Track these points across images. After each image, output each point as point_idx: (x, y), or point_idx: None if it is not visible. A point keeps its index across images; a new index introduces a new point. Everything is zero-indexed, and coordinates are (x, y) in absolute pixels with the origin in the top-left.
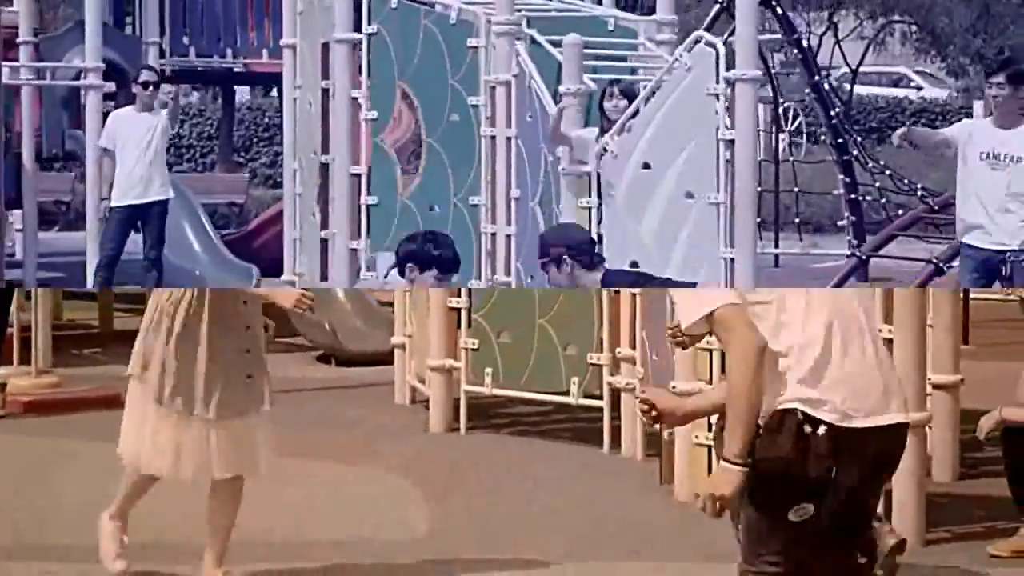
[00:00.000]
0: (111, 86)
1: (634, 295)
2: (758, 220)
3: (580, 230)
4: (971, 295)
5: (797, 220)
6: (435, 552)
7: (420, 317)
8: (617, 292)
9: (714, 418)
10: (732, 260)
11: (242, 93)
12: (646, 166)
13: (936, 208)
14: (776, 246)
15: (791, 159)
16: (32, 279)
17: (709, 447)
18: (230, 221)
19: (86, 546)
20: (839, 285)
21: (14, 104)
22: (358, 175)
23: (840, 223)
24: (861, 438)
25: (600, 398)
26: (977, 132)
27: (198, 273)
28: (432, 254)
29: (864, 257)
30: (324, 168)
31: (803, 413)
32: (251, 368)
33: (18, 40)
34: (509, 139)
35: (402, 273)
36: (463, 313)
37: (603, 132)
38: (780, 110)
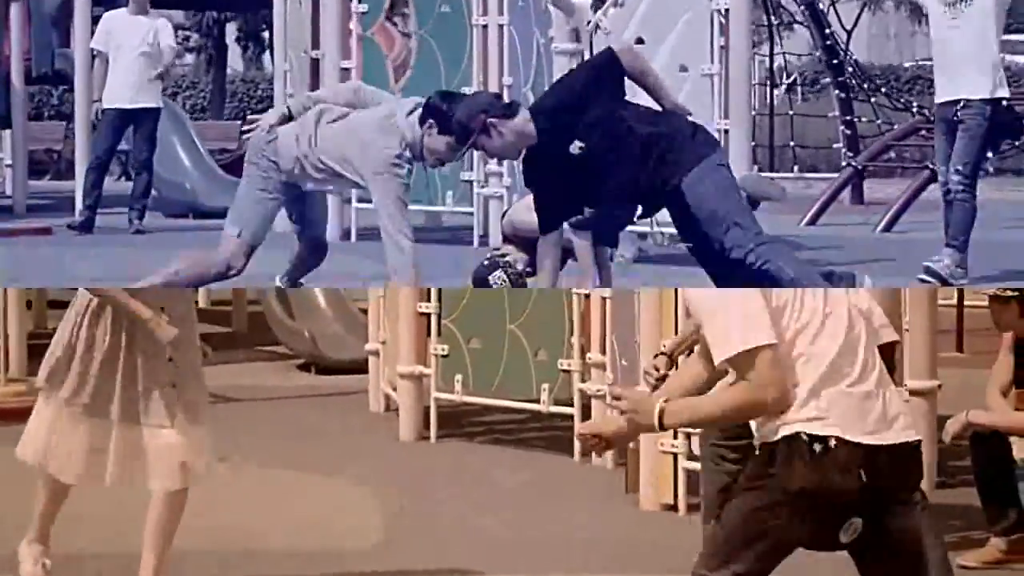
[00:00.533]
0: None
1: (604, 298)
2: (753, 144)
3: (477, 95)
4: (966, 302)
5: (791, 143)
6: (387, 563)
7: (394, 323)
8: (587, 296)
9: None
10: (727, 132)
11: (234, 60)
12: (639, 41)
13: (931, 119)
14: (771, 172)
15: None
16: (22, 206)
17: (675, 454)
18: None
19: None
20: (834, 196)
21: (2, 24)
22: (348, 69)
23: (836, 145)
24: (870, 454)
25: (572, 405)
26: None
27: (188, 186)
28: (457, 120)
29: (859, 167)
30: (315, 65)
31: (807, 435)
32: (175, 378)
33: None
34: (501, 27)
35: (421, 123)
36: (433, 319)
37: (596, 9)
38: (775, 67)
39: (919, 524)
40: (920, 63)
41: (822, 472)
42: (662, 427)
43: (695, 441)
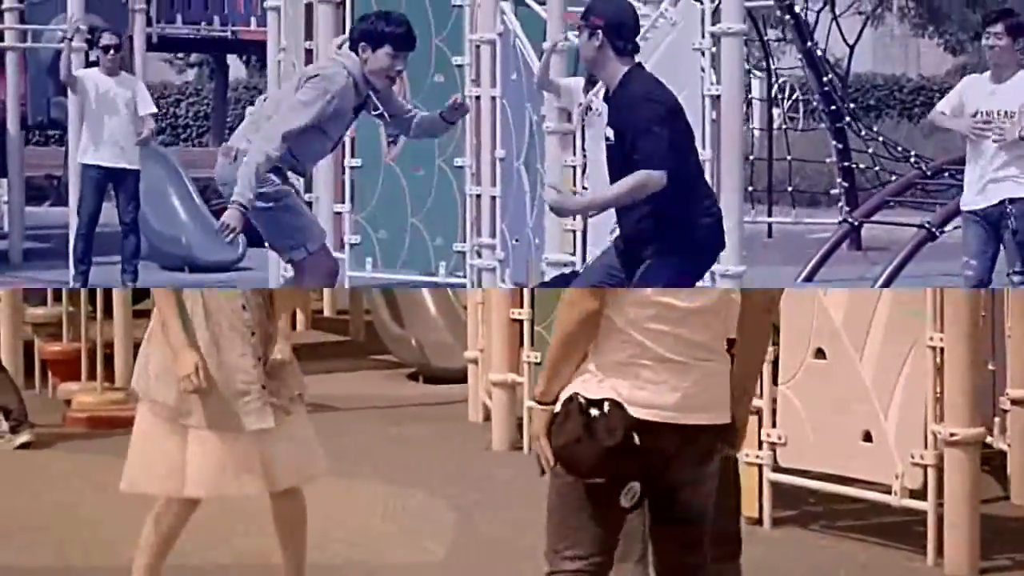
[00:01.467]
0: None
1: None
2: (750, 188)
3: (626, 3)
4: None
5: (790, 189)
6: None
7: (490, 330)
8: None
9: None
10: (719, 220)
11: (237, 70)
12: None
13: (928, 174)
14: (769, 215)
15: (784, 127)
16: (18, 251)
17: (760, 466)
18: (220, 196)
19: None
20: (831, 251)
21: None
22: None
23: (833, 191)
24: (650, 426)
25: None
26: (971, 90)
27: (184, 240)
28: (384, 30)
29: (856, 223)
30: None
31: (584, 398)
32: (264, 379)
33: (3, 7)
34: (494, 99)
35: (356, 54)
36: (526, 325)
37: (587, 90)
38: (776, 87)
39: (703, 501)
40: (924, 75)
41: (589, 431)
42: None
43: (780, 452)
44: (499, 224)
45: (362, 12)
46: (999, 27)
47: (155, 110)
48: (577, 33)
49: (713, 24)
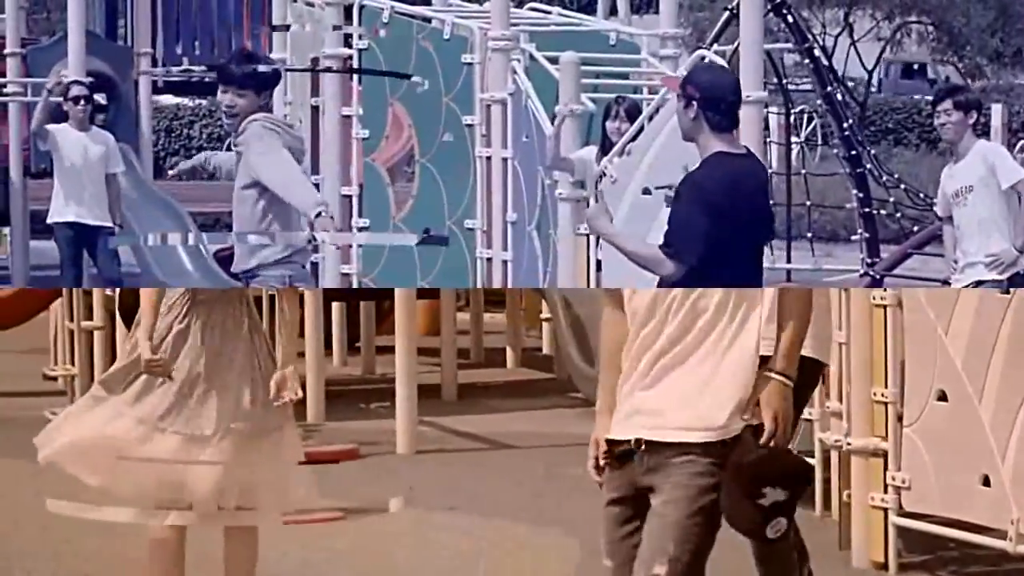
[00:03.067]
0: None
1: (840, 344)
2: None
3: (728, 77)
4: None
5: (810, 235)
6: None
7: None
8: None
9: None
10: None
11: None
12: (646, 191)
13: None
14: (788, 261)
15: (803, 172)
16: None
17: (885, 510)
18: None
19: None
20: None
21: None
22: (349, 196)
23: (854, 238)
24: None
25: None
26: (945, 178)
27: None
28: (240, 72)
29: (878, 276)
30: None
31: None
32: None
33: (4, 51)
34: (505, 160)
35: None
36: None
37: (604, 152)
38: (793, 117)
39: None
40: None
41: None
42: None
43: (905, 496)
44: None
45: (369, 67)
46: (948, 103)
47: (123, 168)
48: (591, 99)
49: None
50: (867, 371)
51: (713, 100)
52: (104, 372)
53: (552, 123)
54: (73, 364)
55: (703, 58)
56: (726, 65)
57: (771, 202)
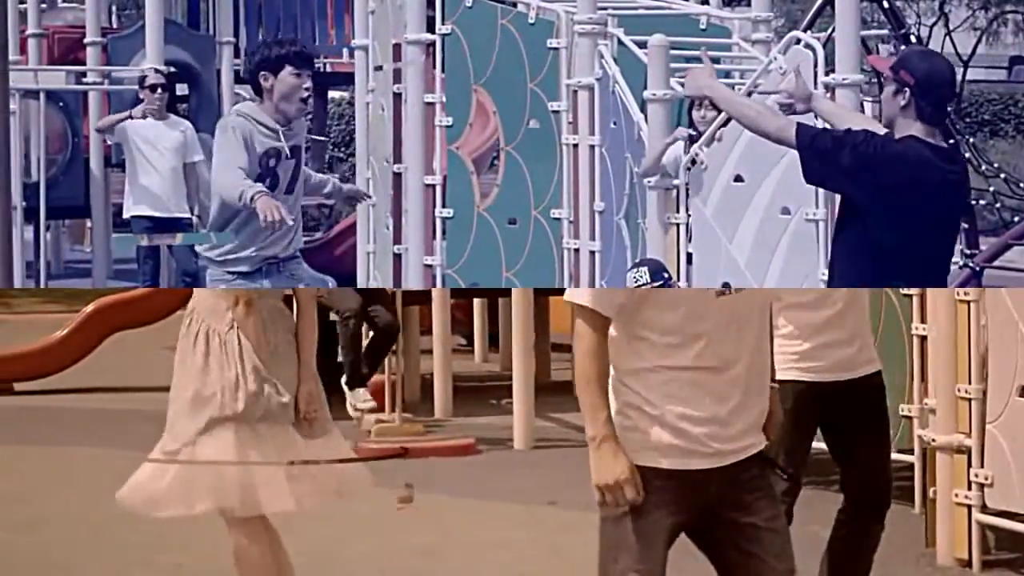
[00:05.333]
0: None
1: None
2: None
3: (947, 65)
4: None
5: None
6: None
7: None
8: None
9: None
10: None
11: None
12: (738, 179)
13: None
14: None
15: None
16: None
17: (969, 507)
18: (320, 223)
19: None
20: None
21: (81, 108)
22: (432, 186)
23: None
24: None
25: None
26: None
27: (267, 285)
28: (279, 53)
29: (978, 267)
30: (397, 178)
31: None
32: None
33: (85, 41)
34: (592, 147)
35: (259, 90)
36: None
37: (691, 142)
38: None
39: None
40: None
41: None
42: None
43: (989, 493)
44: (599, 280)
45: (452, 54)
46: None
47: (202, 157)
48: (680, 83)
49: (827, 73)
50: (951, 368)
51: (929, 89)
52: None
53: (641, 108)
54: None
55: (798, 40)
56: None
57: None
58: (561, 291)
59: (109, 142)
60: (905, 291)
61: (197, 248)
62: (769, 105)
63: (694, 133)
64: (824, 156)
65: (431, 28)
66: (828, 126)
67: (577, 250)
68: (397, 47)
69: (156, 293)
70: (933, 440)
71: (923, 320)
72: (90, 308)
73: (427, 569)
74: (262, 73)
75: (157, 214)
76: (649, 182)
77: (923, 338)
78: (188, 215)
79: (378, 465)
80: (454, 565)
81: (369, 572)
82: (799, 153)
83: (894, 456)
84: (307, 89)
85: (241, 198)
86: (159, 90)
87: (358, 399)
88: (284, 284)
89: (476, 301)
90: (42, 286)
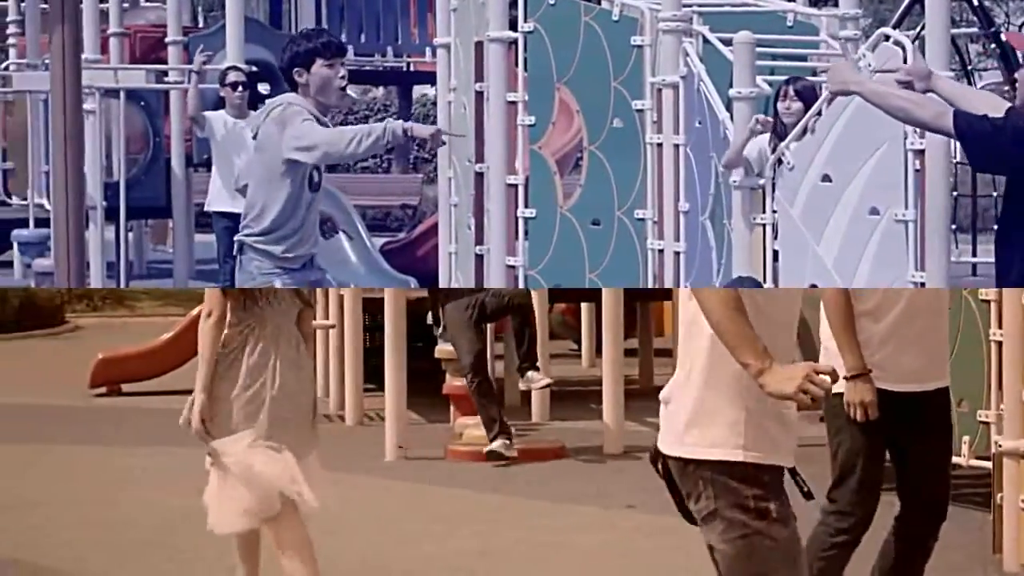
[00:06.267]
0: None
1: None
2: (953, 226)
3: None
4: None
5: (996, 227)
6: None
7: None
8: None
9: None
10: (923, 285)
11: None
12: (826, 178)
13: None
14: (974, 254)
15: None
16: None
17: None
18: (403, 223)
19: None
20: None
21: (162, 107)
22: (514, 186)
23: None
24: None
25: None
26: None
27: (352, 286)
28: (308, 47)
29: None
30: (479, 178)
31: None
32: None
33: (166, 40)
34: (677, 147)
35: (293, 83)
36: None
37: (775, 135)
38: None
39: None
40: None
41: None
42: None
43: None
44: (683, 282)
45: (535, 52)
46: None
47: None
48: (767, 81)
49: None
50: (1018, 372)
51: None
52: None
53: (726, 106)
54: None
55: (887, 37)
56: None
57: (955, 194)
58: (665, 294)
59: (199, 135)
60: (983, 296)
61: (246, 238)
62: (928, 97)
63: (770, 119)
64: (984, 141)
65: (514, 26)
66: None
67: (661, 251)
68: (479, 45)
69: None
70: (999, 445)
71: (1000, 325)
72: (196, 311)
73: (485, 569)
74: (295, 69)
75: (236, 210)
76: (734, 181)
77: (1000, 343)
78: None
79: (464, 467)
80: (512, 565)
81: (432, 572)
82: (960, 141)
83: (973, 462)
84: (342, 78)
85: (386, 132)
86: (240, 88)
87: (533, 381)
88: (324, 284)
89: (584, 305)
90: (122, 286)
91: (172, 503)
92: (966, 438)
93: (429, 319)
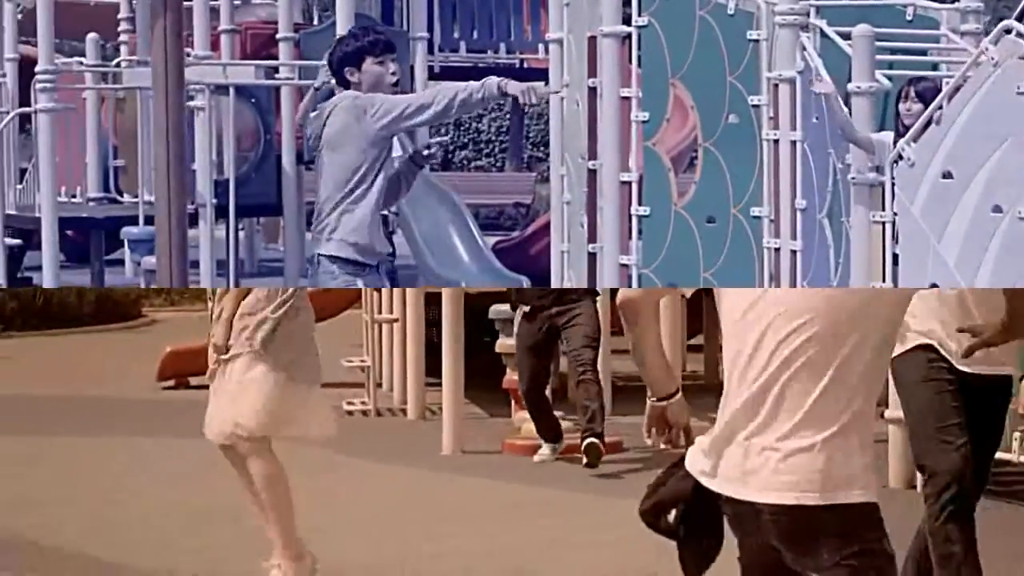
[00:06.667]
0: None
1: None
2: None
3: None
4: None
5: None
6: None
7: None
8: None
9: None
10: None
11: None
12: (947, 175)
13: None
14: None
15: None
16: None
17: None
18: (516, 222)
19: None
20: None
21: (273, 104)
22: (628, 183)
23: None
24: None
25: None
26: None
27: (463, 285)
28: (357, 45)
29: None
30: (592, 175)
31: None
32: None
33: (277, 36)
34: (793, 143)
35: (345, 82)
36: None
37: (898, 136)
38: None
39: None
40: None
41: None
42: None
43: None
44: (800, 281)
45: (650, 46)
46: None
47: (400, 154)
48: (886, 76)
49: None
50: None
51: None
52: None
53: (845, 103)
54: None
55: (1009, 31)
56: None
57: None
58: None
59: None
60: None
61: (319, 235)
62: None
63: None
64: None
65: (627, 21)
66: None
67: (778, 249)
68: (592, 40)
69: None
70: None
71: None
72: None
73: (534, 563)
74: (346, 69)
75: None
76: (854, 178)
77: None
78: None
79: (519, 461)
80: (562, 560)
81: (482, 566)
82: None
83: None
84: (393, 74)
85: (484, 87)
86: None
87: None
88: (396, 284)
89: None
90: (231, 285)
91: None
92: (1017, 434)
93: (491, 314)
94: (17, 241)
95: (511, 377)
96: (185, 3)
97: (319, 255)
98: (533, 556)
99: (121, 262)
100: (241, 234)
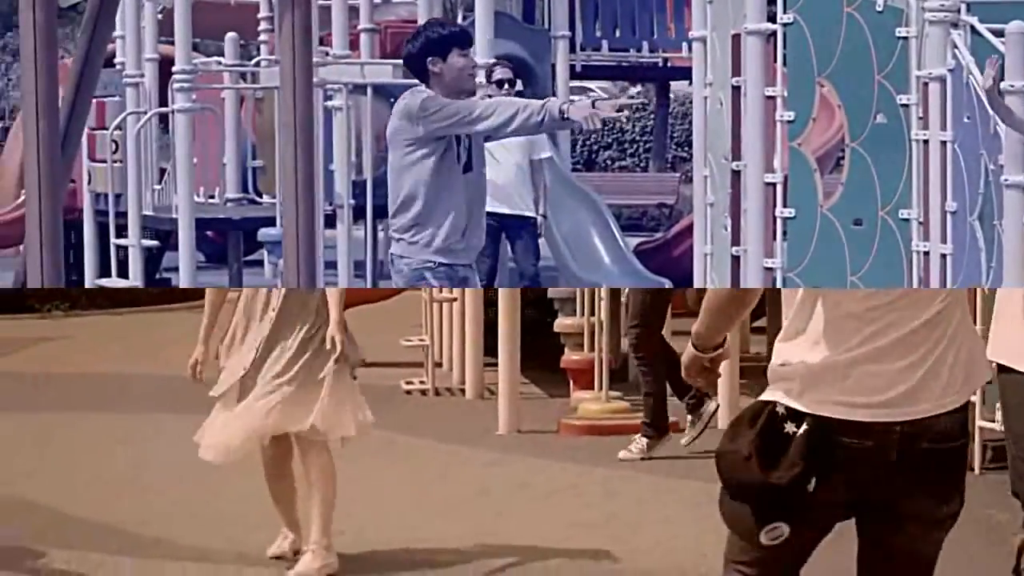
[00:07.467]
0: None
1: None
2: None
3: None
4: None
5: None
6: None
7: None
8: None
9: None
10: None
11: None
12: None
13: None
14: None
15: None
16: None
17: None
18: (659, 223)
19: None
20: None
21: None
22: (772, 184)
23: None
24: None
25: None
26: None
27: (603, 287)
28: (443, 34)
29: None
30: (736, 176)
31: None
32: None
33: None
34: (944, 143)
35: (425, 77)
36: None
37: None
38: None
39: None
40: None
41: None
42: None
43: None
44: (950, 286)
45: (796, 44)
46: None
47: (549, 154)
48: None
49: None
50: None
51: None
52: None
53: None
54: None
55: None
56: None
57: None
58: None
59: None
60: None
61: (393, 234)
62: None
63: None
64: None
65: (772, 18)
66: None
67: (927, 253)
68: (736, 38)
69: None
70: None
71: None
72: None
73: (588, 541)
74: (429, 59)
75: (500, 209)
76: (1007, 180)
77: None
78: (533, 213)
79: (576, 440)
80: (614, 538)
81: (535, 545)
82: None
83: None
84: (474, 67)
85: (544, 111)
86: (506, 85)
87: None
88: (471, 284)
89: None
90: (369, 286)
91: None
92: None
93: (550, 293)
94: (154, 242)
95: (570, 357)
96: (324, 2)
97: (394, 244)
98: (583, 533)
99: (261, 263)
100: (379, 235)
